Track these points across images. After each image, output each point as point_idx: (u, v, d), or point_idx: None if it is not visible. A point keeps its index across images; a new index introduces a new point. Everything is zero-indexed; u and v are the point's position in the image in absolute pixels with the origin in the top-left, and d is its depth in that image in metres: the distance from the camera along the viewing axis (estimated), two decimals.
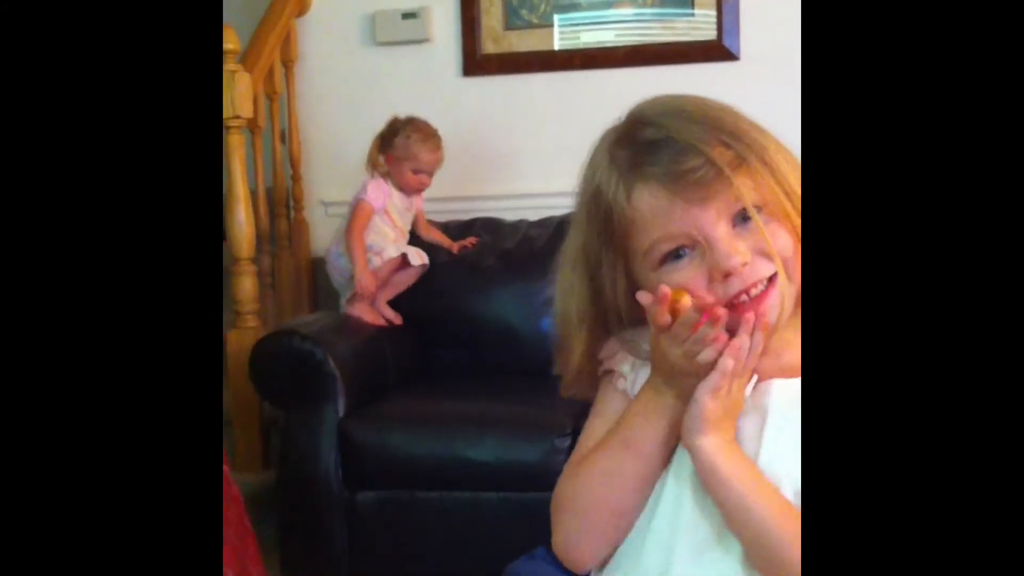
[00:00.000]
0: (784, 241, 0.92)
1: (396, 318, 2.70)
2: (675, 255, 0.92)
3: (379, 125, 2.73)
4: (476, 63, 3.05)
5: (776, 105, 3.01)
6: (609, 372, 1.03)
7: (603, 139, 0.98)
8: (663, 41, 2.94)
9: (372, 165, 2.70)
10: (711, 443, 0.92)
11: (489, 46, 3.04)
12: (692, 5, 2.93)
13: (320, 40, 3.12)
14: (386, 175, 2.70)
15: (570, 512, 0.99)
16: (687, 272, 0.92)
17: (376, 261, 2.66)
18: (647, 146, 0.91)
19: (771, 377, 0.97)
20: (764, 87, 2.82)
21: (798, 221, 0.92)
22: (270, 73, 2.91)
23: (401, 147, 2.66)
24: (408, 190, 2.72)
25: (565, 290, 1.01)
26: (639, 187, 0.91)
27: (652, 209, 0.91)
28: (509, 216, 2.91)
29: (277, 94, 2.97)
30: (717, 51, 2.89)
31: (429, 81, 3.07)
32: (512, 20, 3.03)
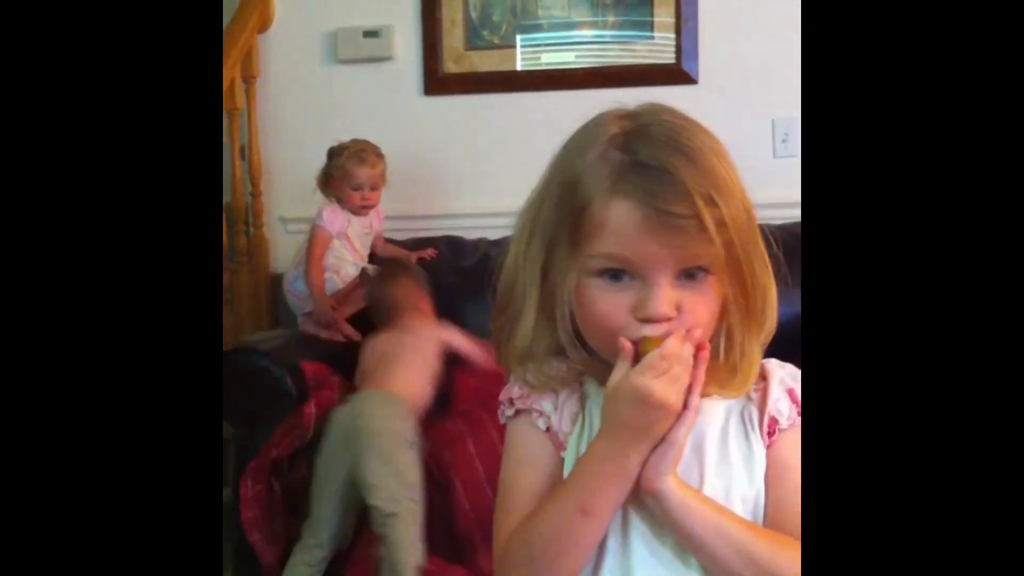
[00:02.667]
0: (709, 307, 0.93)
1: (355, 335, 2.69)
2: (614, 274, 0.92)
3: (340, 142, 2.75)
4: (437, 82, 3.05)
5: (734, 128, 3.05)
6: (523, 411, 1.00)
7: (600, 126, 0.95)
8: (623, 63, 2.97)
9: (323, 192, 2.74)
10: (673, 481, 0.92)
11: (450, 65, 3.05)
12: (651, 28, 2.96)
13: (281, 57, 3.11)
14: (338, 200, 2.73)
15: (529, 573, 0.94)
16: (617, 296, 0.91)
17: (336, 280, 2.66)
18: (643, 167, 0.90)
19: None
20: (722, 110, 2.84)
21: (749, 280, 0.93)
22: (230, 88, 2.89)
23: (337, 169, 2.71)
24: (356, 210, 2.73)
25: (520, 256, 0.98)
26: (619, 199, 0.90)
27: (621, 226, 0.90)
28: (468, 234, 2.91)
29: (237, 110, 2.96)
30: (676, 74, 2.92)
31: (390, 100, 3.07)
32: (473, 40, 3.04)
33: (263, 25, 3.06)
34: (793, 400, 0.99)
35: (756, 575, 0.92)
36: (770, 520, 0.97)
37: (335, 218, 2.70)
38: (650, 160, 0.90)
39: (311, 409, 2.24)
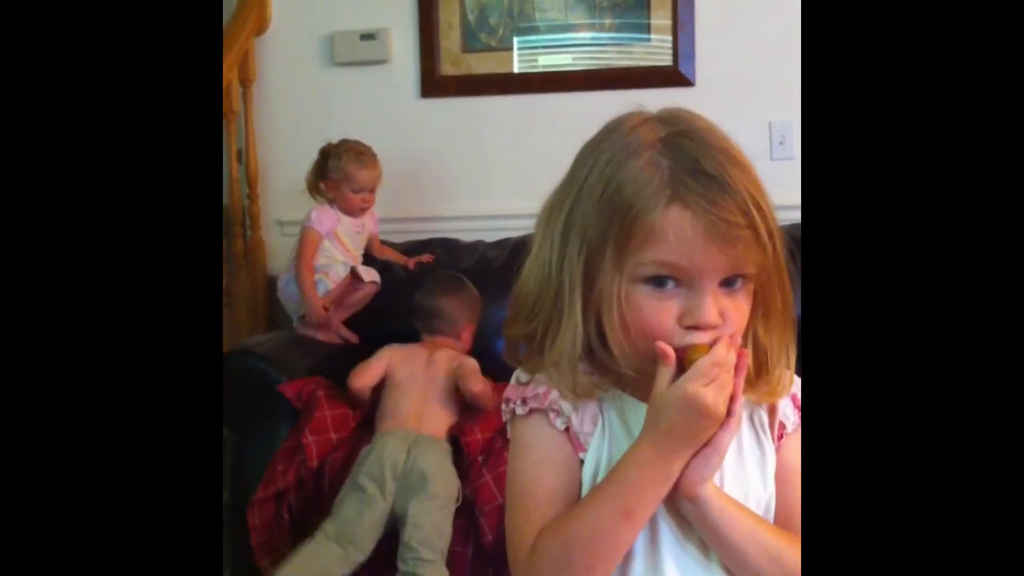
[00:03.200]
0: (746, 313, 0.94)
1: (352, 337, 2.69)
2: (659, 280, 0.91)
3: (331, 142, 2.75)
4: (434, 85, 3.05)
5: (731, 131, 3.04)
6: (537, 411, 0.98)
7: (634, 130, 0.95)
8: (620, 66, 2.97)
9: (312, 194, 2.72)
10: (712, 487, 0.93)
11: (447, 68, 3.05)
12: (648, 31, 2.96)
13: (278, 60, 3.11)
14: (331, 202, 2.72)
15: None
16: (664, 303, 0.91)
17: (326, 282, 2.66)
18: (701, 175, 0.90)
19: None
20: (720, 113, 2.84)
21: (780, 293, 0.95)
22: (227, 91, 2.89)
23: (336, 170, 2.68)
24: (353, 212, 2.72)
25: (555, 261, 0.95)
26: (678, 207, 0.89)
27: (678, 233, 0.89)
28: (466, 237, 2.91)
29: (234, 113, 2.96)
30: (673, 76, 2.92)
31: (387, 102, 3.07)
32: (470, 43, 3.04)
33: (260, 28, 3.06)
34: (796, 406, 1.01)
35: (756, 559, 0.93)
36: (780, 521, 0.99)
37: (324, 218, 2.70)
38: (709, 168, 0.90)
39: (309, 439, 2.23)
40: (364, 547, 2.13)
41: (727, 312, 0.92)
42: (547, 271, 0.96)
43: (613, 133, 0.96)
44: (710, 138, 0.93)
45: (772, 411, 1.01)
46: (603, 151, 0.95)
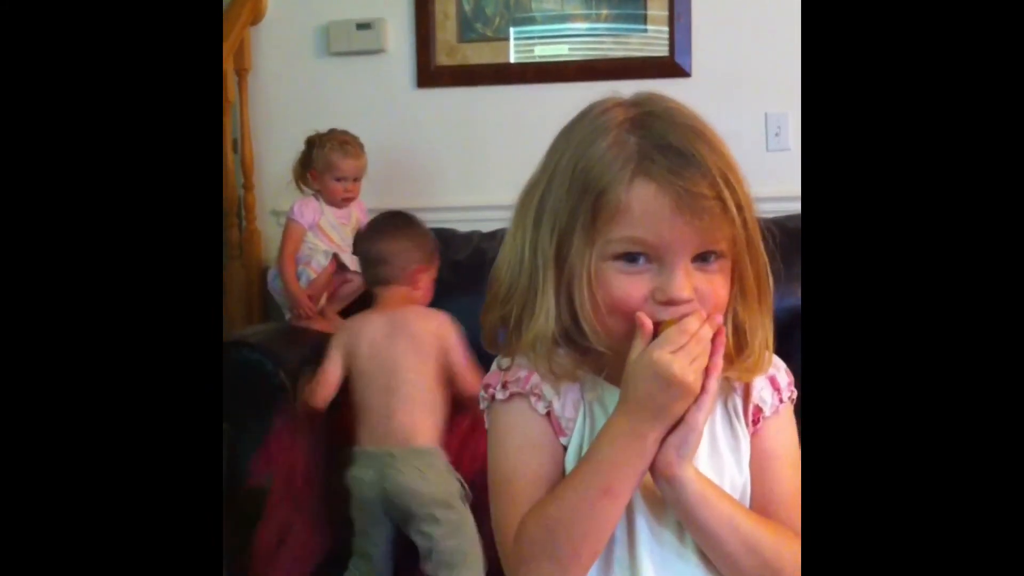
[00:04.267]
0: (724, 291, 0.93)
1: None
2: (631, 257, 0.91)
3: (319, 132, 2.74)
4: (430, 75, 3.04)
5: (728, 122, 3.03)
6: (518, 395, 0.98)
7: (604, 112, 0.95)
8: (616, 56, 2.96)
9: (299, 185, 2.71)
10: (692, 470, 0.92)
11: (443, 58, 3.04)
12: (645, 21, 2.95)
13: (273, 49, 3.10)
14: (317, 192, 2.70)
15: (550, 560, 0.93)
16: (636, 279, 0.91)
17: (308, 273, 2.64)
18: (666, 149, 0.90)
19: None
20: (716, 104, 2.83)
21: (761, 261, 0.95)
22: (223, 82, 2.88)
23: (320, 159, 2.68)
24: (336, 202, 2.71)
25: (527, 244, 0.96)
26: (643, 181, 0.90)
27: (644, 208, 0.90)
28: (461, 228, 2.91)
29: (229, 103, 2.95)
30: (669, 67, 2.91)
31: (383, 92, 3.06)
32: (466, 33, 3.03)
33: (255, 18, 3.05)
34: (775, 388, 1.01)
35: (758, 566, 0.93)
36: (757, 508, 0.98)
37: (306, 210, 2.69)
38: (675, 142, 0.90)
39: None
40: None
41: (701, 289, 0.91)
42: (520, 255, 0.96)
43: (584, 117, 0.97)
44: (678, 116, 0.93)
45: (747, 395, 1.00)
46: (574, 135, 0.96)
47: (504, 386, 0.99)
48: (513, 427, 0.99)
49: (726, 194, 0.89)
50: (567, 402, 0.97)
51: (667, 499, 0.93)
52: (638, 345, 0.90)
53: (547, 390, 0.97)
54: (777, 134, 2.87)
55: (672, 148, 0.90)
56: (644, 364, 0.89)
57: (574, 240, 0.92)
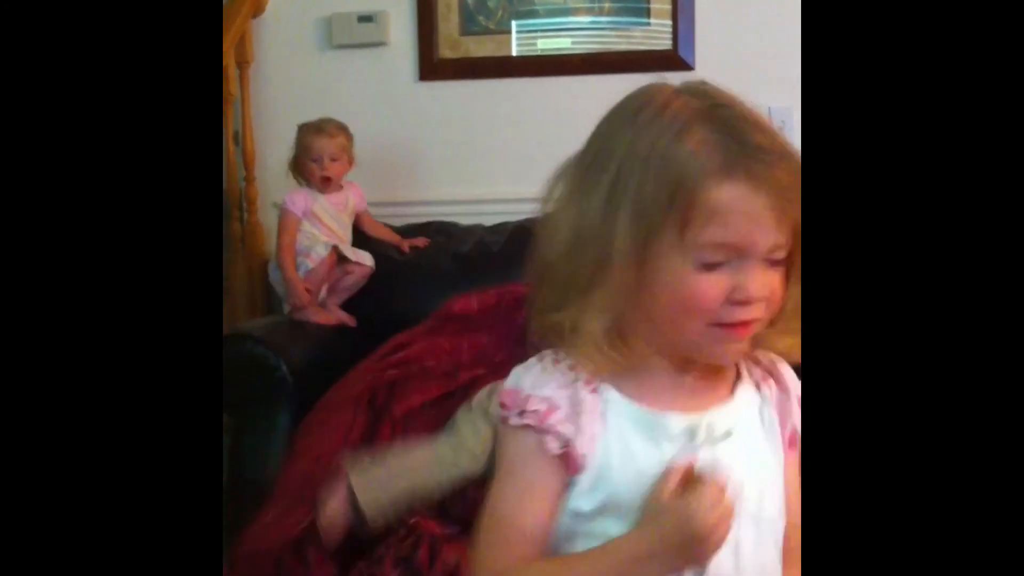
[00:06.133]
0: (784, 285, 0.92)
1: (350, 319, 2.68)
2: (713, 258, 0.88)
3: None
4: (432, 68, 3.04)
5: None
6: (533, 428, 0.93)
7: (669, 102, 0.91)
8: (619, 50, 2.95)
9: (295, 177, 2.72)
10: None
11: (446, 51, 3.04)
12: (648, 15, 2.95)
13: (275, 42, 3.09)
14: (307, 181, 2.70)
15: None
16: (715, 279, 0.89)
17: (307, 264, 2.64)
18: (750, 145, 0.88)
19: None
20: None
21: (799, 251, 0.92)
22: (224, 74, 2.88)
23: (297, 143, 2.69)
24: (317, 184, 2.69)
25: (598, 227, 0.90)
26: (733, 182, 0.87)
27: (736, 210, 0.87)
28: (464, 221, 2.91)
29: (231, 96, 2.95)
30: (672, 61, 2.90)
31: (385, 85, 3.06)
32: (469, 26, 3.03)
33: (257, 10, 3.04)
34: (799, 407, 0.99)
35: None
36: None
37: (298, 199, 2.68)
38: (760, 140, 0.88)
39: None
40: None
41: (773, 284, 0.90)
42: (584, 242, 0.91)
43: (647, 105, 0.92)
44: (744, 109, 0.92)
45: (783, 410, 0.99)
46: (642, 125, 0.91)
47: (522, 414, 0.94)
48: (520, 463, 0.95)
49: (798, 194, 0.86)
50: (585, 437, 0.93)
51: None
52: (670, 483, 0.90)
53: (567, 429, 0.93)
54: (781, 128, 2.86)
55: (757, 145, 0.88)
56: (681, 514, 0.88)
57: (663, 238, 0.88)
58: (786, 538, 0.97)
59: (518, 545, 0.94)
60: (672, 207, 0.87)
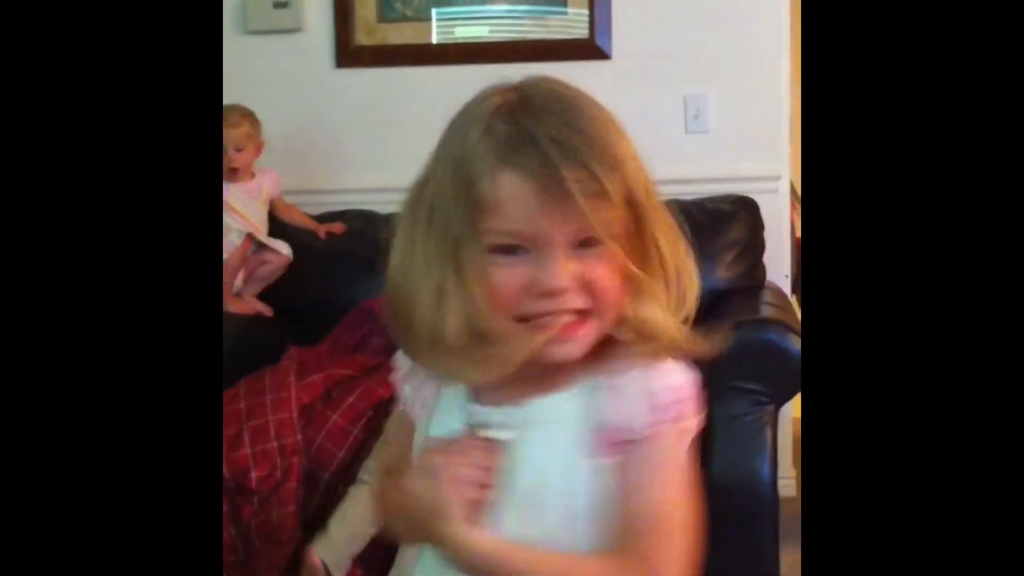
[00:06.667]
0: (611, 277, 0.90)
1: (267, 309, 2.66)
2: (508, 248, 0.89)
3: None
4: (349, 55, 3.02)
5: (647, 104, 3.04)
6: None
7: (483, 100, 0.94)
8: (536, 38, 2.96)
9: None
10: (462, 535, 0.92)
11: (363, 38, 3.01)
12: (565, 4, 2.96)
13: None
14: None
15: None
16: (513, 271, 0.89)
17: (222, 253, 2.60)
18: (534, 136, 0.88)
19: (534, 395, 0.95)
20: (636, 86, 2.87)
21: (654, 250, 0.91)
22: None
23: None
24: (226, 176, 2.63)
25: (417, 238, 0.95)
26: (508, 171, 0.88)
27: (512, 199, 0.88)
28: (382, 209, 2.89)
29: None
30: (589, 49, 2.92)
31: (301, 72, 3.03)
32: (386, 12, 3.01)
33: None
34: (652, 407, 0.92)
35: None
36: (618, 529, 0.92)
37: None
38: (544, 128, 0.88)
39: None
40: None
41: (586, 276, 0.89)
42: (410, 248, 0.96)
43: (467, 105, 0.95)
44: (549, 99, 0.91)
45: (613, 416, 0.93)
46: (454, 124, 0.94)
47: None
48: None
49: (603, 179, 0.86)
50: (416, 403, 1.02)
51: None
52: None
53: (407, 390, 1.02)
54: (696, 116, 2.90)
55: (539, 135, 0.88)
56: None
57: (461, 232, 0.90)
58: (622, 528, 0.91)
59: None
60: (462, 200, 0.90)
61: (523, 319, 0.90)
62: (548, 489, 0.92)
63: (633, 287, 0.91)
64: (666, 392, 0.92)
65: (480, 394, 0.96)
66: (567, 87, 0.94)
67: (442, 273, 0.91)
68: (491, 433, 0.94)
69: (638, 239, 0.90)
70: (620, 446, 0.91)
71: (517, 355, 0.89)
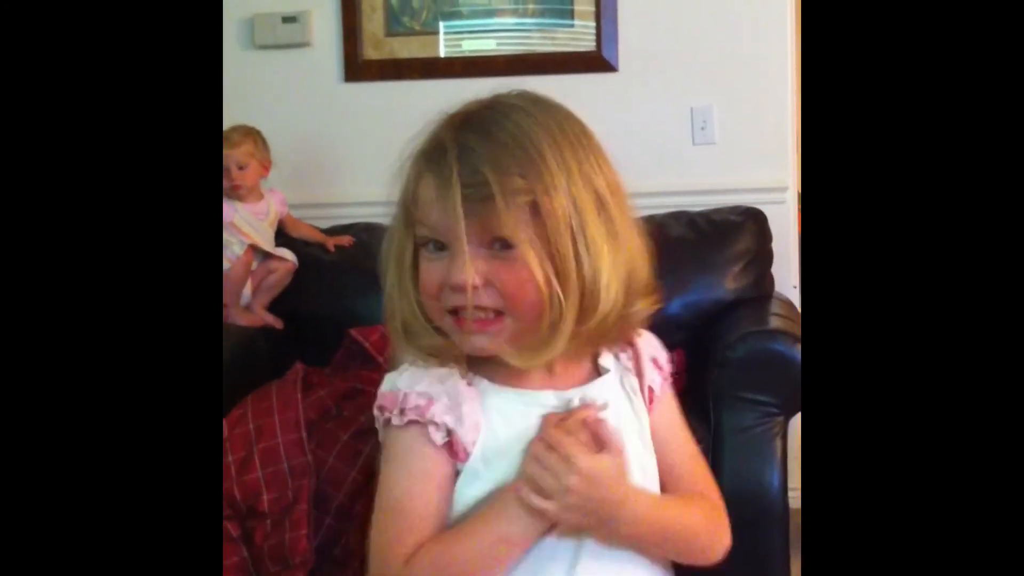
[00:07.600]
0: (527, 282, 0.93)
1: (276, 322, 2.65)
2: (436, 245, 0.97)
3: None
4: (357, 69, 3.03)
5: (654, 116, 3.05)
6: (416, 423, 0.98)
7: (448, 111, 1.04)
8: (543, 51, 2.97)
9: None
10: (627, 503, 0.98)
11: (370, 52, 3.03)
12: (572, 16, 2.97)
13: None
14: (227, 193, 2.64)
15: None
16: (434, 265, 0.97)
17: (225, 265, 2.60)
18: (443, 146, 0.96)
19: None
20: (642, 98, 2.88)
21: (564, 260, 0.93)
22: None
23: None
24: (229, 194, 2.64)
25: (390, 235, 1.06)
26: (426, 176, 0.97)
27: (426, 199, 0.97)
28: (388, 223, 2.89)
29: None
30: (596, 62, 2.93)
31: (309, 86, 3.04)
32: (393, 26, 3.02)
33: None
34: (657, 367, 1.07)
35: (686, 544, 1.02)
36: (665, 480, 1.04)
37: None
38: (451, 137, 0.96)
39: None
40: None
41: (497, 275, 0.94)
42: (386, 246, 1.06)
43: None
44: (488, 112, 0.99)
45: (640, 377, 1.06)
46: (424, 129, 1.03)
47: (402, 412, 0.99)
48: (408, 456, 0.99)
49: (502, 187, 0.92)
50: (466, 426, 0.98)
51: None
52: (547, 427, 0.96)
53: (449, 419, 0.97)
54: (703, 127, 2.90)
55: (450, 142, 0.96)
56: (548, 462, 0.93)
57: (406, 232, 1.01)
58: (674, 477, 1.06)
59: (413, 529, 0.96)
60: (403, 202, 1.02)
61: (452, 312, 0.97)
62: (630, 449, 1.00)
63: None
64: (661, 353, 1.10)
65: (526, 388, 1.00)
66: (532, 100, 1.01)
67: (399, 269, 1.02)
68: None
69: (552, 248, 0.93)
70: (652, 399, 1.07)
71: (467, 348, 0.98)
